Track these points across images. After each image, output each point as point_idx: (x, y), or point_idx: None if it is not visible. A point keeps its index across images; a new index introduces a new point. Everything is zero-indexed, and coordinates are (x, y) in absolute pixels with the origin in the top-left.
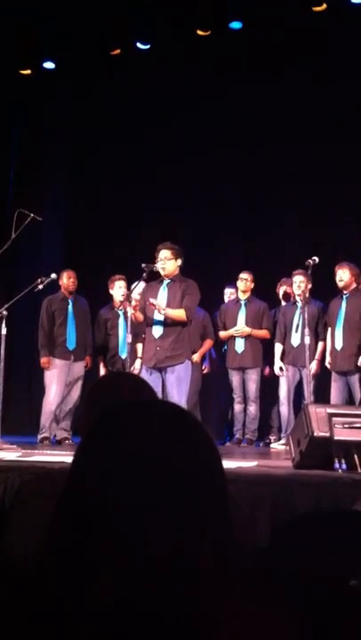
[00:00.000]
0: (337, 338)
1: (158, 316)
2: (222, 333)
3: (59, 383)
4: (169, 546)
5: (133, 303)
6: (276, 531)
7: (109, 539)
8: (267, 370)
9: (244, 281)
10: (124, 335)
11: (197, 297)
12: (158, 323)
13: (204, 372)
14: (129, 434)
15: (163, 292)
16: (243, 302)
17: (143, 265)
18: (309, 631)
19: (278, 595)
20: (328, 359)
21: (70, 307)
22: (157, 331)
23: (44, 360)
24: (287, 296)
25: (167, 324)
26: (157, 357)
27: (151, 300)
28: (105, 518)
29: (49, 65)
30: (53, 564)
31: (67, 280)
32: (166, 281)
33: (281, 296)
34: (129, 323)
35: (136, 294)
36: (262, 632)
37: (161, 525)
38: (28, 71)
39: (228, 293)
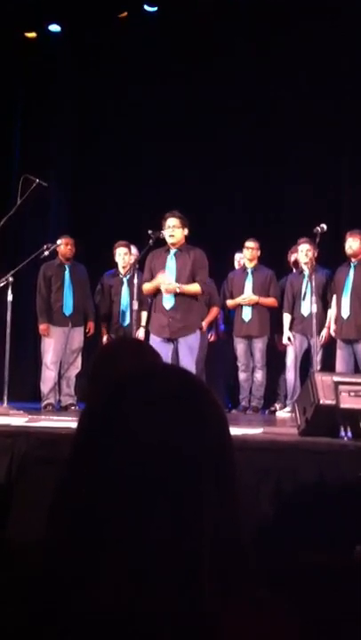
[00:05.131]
0: (343, 306)
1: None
2: (229, 302)
3: (55, 350)
4: (168, 542)
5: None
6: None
7: (108, 534)
8: (278, 339)
9: (250, 249)
10: (127, 302)
11: (208, 268)
12: (170, 294)
13: (211, 340)
14: (129, 418)
15: (171, 262)
16: (250, 270)
17: (150, 232)
18: (310, 631)
19: (279, 594)
20: (333, 327)
21: (67, 273)
22: (168, 302)
23: (42, 327)
24: (297, 264)
25: (179, 295)
26: (171, 329)
27: (169, 287)
28: (103, 510)
29: (54, 28)
30: (52, 563)
31: (64, 247)
32: (173, 250)
33: (292, 264)
34: (134, 290)
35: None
36: (262, 632)
37: (160, 519)
38: (34, 34)
39: (238, 259)
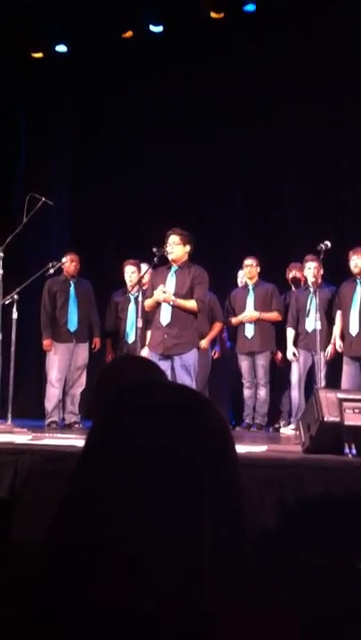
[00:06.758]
0: (353, 323)
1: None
2: (233, 320)
3: (60, 367)
4: (168, 543)
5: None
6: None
7: (108, 534)
8: (279, 355)
9: (249, 267)
10: (132, 320)
11: (207, 285)
12: (167, 310)
13: (215, 356)
14: (131, 425)
15: (171, 279)
16: (251, 287)
17: (154, 249)
18: (310, 631)
19: (278, 594)
20: (339, 343)
21: (72, 288)
22: (165, 318)
23: (46, 342)
24: (296, 281)
25: (176, 311)
26: (165, 345)
27: (165, 296)
28: (103, 510)
29: (61, 48)
30: (52, 563)
31: (69, 263)
32: (174, 267)
33: (290, 281)
34: (140, 308)
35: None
36: (262, 632)
37: (160, 520)
38: (40, 54)
39: (242, 276)
